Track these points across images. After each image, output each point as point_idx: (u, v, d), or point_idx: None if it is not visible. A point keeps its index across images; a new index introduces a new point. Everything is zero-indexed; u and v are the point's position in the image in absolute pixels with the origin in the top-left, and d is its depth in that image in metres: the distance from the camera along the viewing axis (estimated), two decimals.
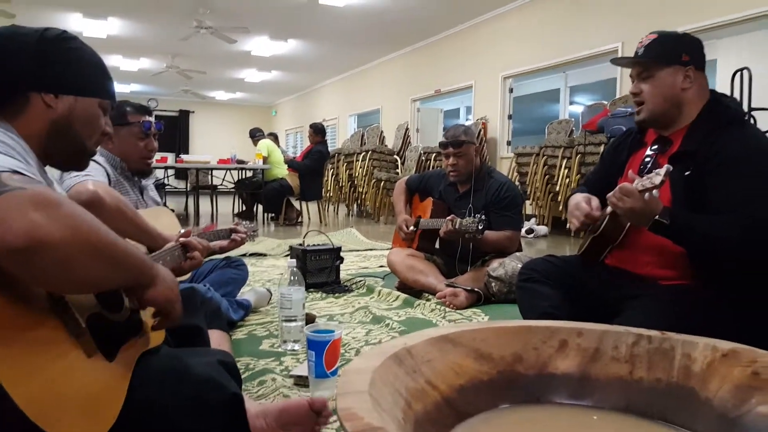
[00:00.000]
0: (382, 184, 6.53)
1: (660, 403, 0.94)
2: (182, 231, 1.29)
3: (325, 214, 7.00)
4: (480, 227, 2.23)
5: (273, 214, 6.57)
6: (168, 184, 7.89)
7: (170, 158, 6.00)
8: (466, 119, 8.41)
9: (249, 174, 7.21)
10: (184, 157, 7.21)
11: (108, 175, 1.70)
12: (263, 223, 6.50)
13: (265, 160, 6.41)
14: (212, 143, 13.96)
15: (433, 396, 0.86)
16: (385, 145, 7.66)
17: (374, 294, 2.57)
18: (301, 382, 1.43)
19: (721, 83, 4.27)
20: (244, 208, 7.03)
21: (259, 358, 1.66)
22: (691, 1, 4.51)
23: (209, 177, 7.80)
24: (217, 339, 1.30)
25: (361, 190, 7.12)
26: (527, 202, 5.45)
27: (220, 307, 1.73)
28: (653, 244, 1.38)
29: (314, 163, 6.23)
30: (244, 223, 1.87)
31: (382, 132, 8.04)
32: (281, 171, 6.43)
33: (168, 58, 9.65)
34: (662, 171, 1.21)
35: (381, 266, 3.31)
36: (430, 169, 6.26)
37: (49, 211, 0.58)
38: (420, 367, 0.88)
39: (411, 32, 7.94)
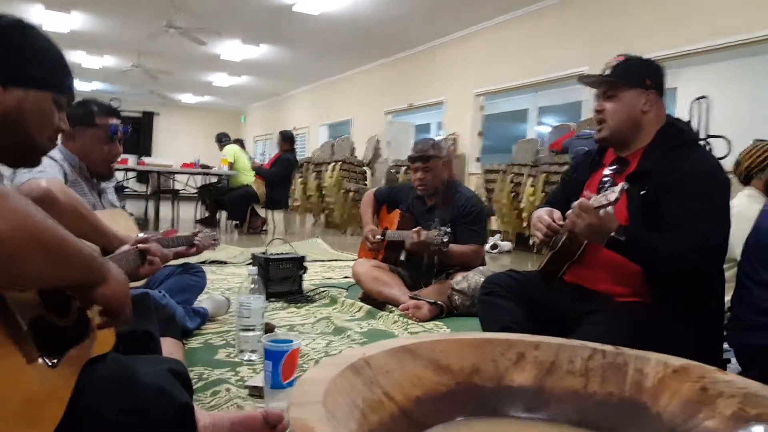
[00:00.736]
0: (350, 195, 6.53)
1: (612, 416, 0.96)
2: (140, 236, 1.25)
3: (292, 224, 6.93)
4: (445, 240, 2.25)
5: (237, 222, 6.46)
6: (128, 187, 7.67)
7: (131, 160, 5.83)
8: (437, 134, 8.50)
9: (214, 180, 7.09)
10: (146, 159, 7.04)
11: (65, 173, 1.63)
12: (226, 230, 6.37)
13: (231, 166, 6.31)
14: (176, 147, 13.64)
15: (389, 407, 0.85)
16: (355, 156, 7.66)
17: (337, 305, 2.55)
18: (256, 392, 1.40)
19: (680, 111, 4.47)
20: (206, 215, 6.88)
21: (214, 367, 1.61)
22: (655, 30, 4.71)
23: (171, 181, 7.63)
24: (169, 347, 1.26)
25: (329, 200, 7.09)
26: (493, 218, 5.54)
27: (174, 314, 1.67)
28: (609, 261, 1.42)
29: (282, 171, 6.17)
30: (205, 231, 1.82)
31: (352, 143, 8.05)
32: (247, 178, 6.34)
33: (134, 57, 9.40)
34: (617, 188, 1.26)
35: (346, 277, 3.29)
36: (400, 182, 6.29)
37: None
38: (378, 377, 0.87)
39: (385, 45, 8.00)
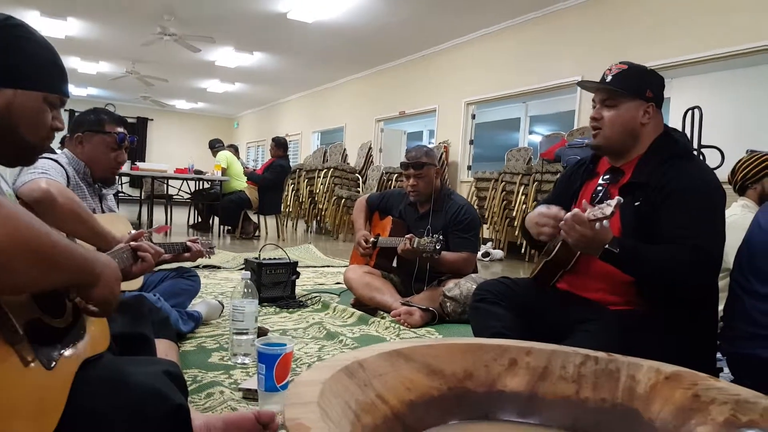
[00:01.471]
0: (342, 201, 6.53)
1: (604, 422, 0.96)
2: (133, 232, 1.25)
3: (284, 230, 6.92)
4: (437, 247, 2.26)
5: (230, 227, 6.44)
6: (122, 192, 7.63)
7: (125, 165, 5.81)
8: (429, 142, 8.54)
9: (207, 185, 7.07)
10: (140, 164, 7.01)
11: (68, 177, 1.69)
12: (219, 235, 6.35)
13: (224, 171, 6.30)
14: (170, 152, 13.62)
15: (382, 410, 0.85)
16: (348, 163, 7.67)
17: (329, 310, 2.55)
18: (250, 395, 1.40)
19: (673, 121, 4.51)
20: (199, 220, 6.86)
21: (208, 370, 1.61)
22: (650, 40, 4.76)
23: (165, 186, 7.61)
24: (164, 349, 1.26)
25: (321, 206, 7.08)
26: (484, 226, 5.56)
27: (169, 317, 1.67)
28: (603, 271, 1.41)
29: (275, 177, 6.16)
30: (201, 239, 1.83)
31: (345, 150, 8.07)
32: (240, 183, 6.33)
33: (128, 64, 9.40)
34: (613, 202, 1.24)
35: (338, 283, 3.28)
36: (392, 189, 6.30)
37: None
38: (371, 380, 0.88)
39: (378, 53, 8.05)
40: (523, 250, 5.13)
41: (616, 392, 0.97)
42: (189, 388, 1.34)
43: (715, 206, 1.36)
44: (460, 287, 2.37)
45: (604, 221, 1.25)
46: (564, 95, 6.05)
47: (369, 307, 2.51)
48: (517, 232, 5.09)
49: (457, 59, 7.17)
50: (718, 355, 1.47)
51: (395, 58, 8.23)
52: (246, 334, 1.70)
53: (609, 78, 1.47)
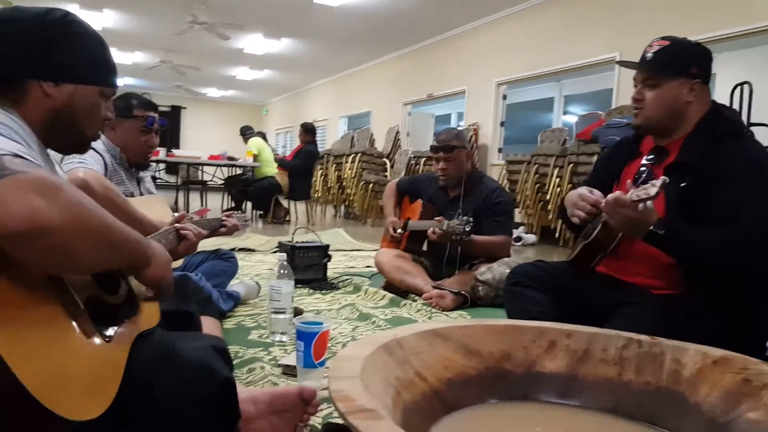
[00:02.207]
0: (370, 186, 6.53)
1: (648, 405, 0.95)
2: (176, 215, 1.29)
3: (313, 214, 6.98)
4: (467, 229, 2.24)
5: (261, 212, 6.54)
6: (159, 178, 7.83)
7: (162, 152, 5.95)
8: (458, 125, 8.43)
9: (239, 171, 7.18)
10: (175, 152, 7.18)
11: (105, 163, 1.74)
12: (252, 219, 6.46)
13: (256, 157, 6.38)
14: (203, 140, 13.88)
15: (421, 387, 0.86)
16: (375, 148, 7.66)
17: (361, 292, 2.57)
18: (289, 371, 1.43)
19: (720, 97, 4.31)
20: (233, 205, 6.99)
21: (248, 347, 1.66)
22: (689, 13, 4.50)
23: (200, 172, 7.76)
24: (209, 326, 1.30)
25: (349, 191, 7.11)
26: (516, 210, 5.48)
27: (210, 296, 1.74)
28: (645, 253, 1.37)
29: (304, 162, 6.21)
30: (236, 213, 1.87)
31: (372, 134, 8.04)
32: (271, 169, 6.41)
33: (162, 53, 9.57)
34: (658, 183, 1.19)
35: (368, 266, 3.30)
36: (420, 173, 6.27)
37: (50, 196, 0.58)
38: (409, 358, 0.88)
39: (405, 35, 7.96)
40: (557, 234, 5.03)
41: (661, 375, 0.96)
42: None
43: (766, 186, 1.29)
44: (493, 271, 2.35)
45: (648, 202, 1.21)
46: (601, 73, 5.85)
47: (400, 290, 2.52)
48: (551, 216, 5.00)
49: (486, 39, 7.02)
50: None
51: (422, 39, 8.12)
52: (283, 313, 1.74)
53: (650, 55, 1.41)
